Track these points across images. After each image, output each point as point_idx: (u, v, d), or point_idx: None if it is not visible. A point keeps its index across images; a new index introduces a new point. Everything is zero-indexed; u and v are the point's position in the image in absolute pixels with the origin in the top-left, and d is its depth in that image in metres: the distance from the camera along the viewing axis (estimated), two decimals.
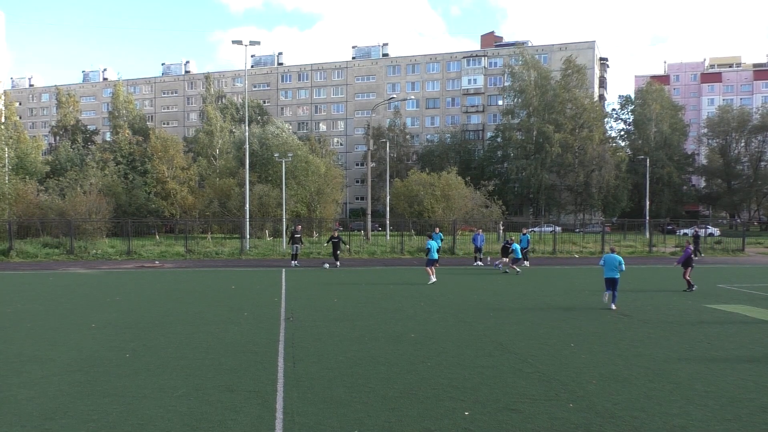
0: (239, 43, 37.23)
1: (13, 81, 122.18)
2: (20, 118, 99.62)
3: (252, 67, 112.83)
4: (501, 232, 26.14)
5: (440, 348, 11.24)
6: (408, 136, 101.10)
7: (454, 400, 8.09)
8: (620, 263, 16.34)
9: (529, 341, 11.89)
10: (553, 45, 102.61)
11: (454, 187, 58.15)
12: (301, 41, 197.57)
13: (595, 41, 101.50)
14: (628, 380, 9.08)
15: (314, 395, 8.29)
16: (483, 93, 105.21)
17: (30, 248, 34.68)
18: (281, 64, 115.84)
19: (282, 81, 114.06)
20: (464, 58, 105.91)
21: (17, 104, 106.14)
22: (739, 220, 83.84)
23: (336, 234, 29.95)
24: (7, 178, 49.00)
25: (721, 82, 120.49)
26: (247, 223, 38.64)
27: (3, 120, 65.53)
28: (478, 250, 31.14)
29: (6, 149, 51.45)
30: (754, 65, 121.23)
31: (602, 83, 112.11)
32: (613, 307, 16.08)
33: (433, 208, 56.26)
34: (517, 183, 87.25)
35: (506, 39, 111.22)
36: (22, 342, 11.85)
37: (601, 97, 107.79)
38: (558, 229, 55.59)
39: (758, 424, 7.25)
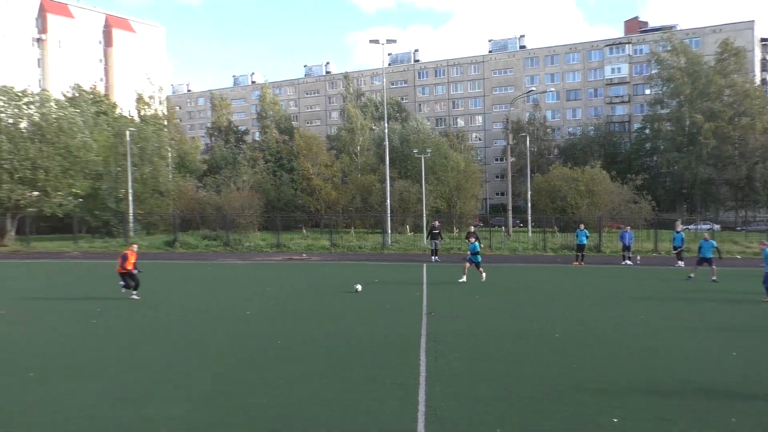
0: (376, 42, 37.96)
1: (173, 87, 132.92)
2: (180, 121, 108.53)
3: (389, 65, 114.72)
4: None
5: (589, 349, 10.81)
6: (548, 130, 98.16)
7: (601, 405, 7.75)
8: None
9: (685, 347, 11.10)
10: (705, 27, 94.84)
11: (598, 182, 55.71)
12: (436, 38, 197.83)
13: (753, 21, 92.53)
14: None
15: (456, 391, 8.28)
16: (628, 82, 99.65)
17: (191, 240, 37.82)
18: (417, 61, 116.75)
19: (419, 78, 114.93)
20: (606, 46, 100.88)
21: (177, 108, 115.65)
22: None
23: (473, 229, 29.68)
24: (170, 176, 53.59)
25: None
26: (389, 218, 39.37)
27: (166, 123, 71.70)
28: (626, 248, 29.55)
29: (169, 150, 56.15)
30: None
31: (765, 66, 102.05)
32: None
33: (577, 204, 54.25)
34: (669, 177, 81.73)
35: (652, 24, 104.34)
36: (183, 327, 12.91)
37: (764, 82, 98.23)
38: (716, 227, 51.51)
39: None
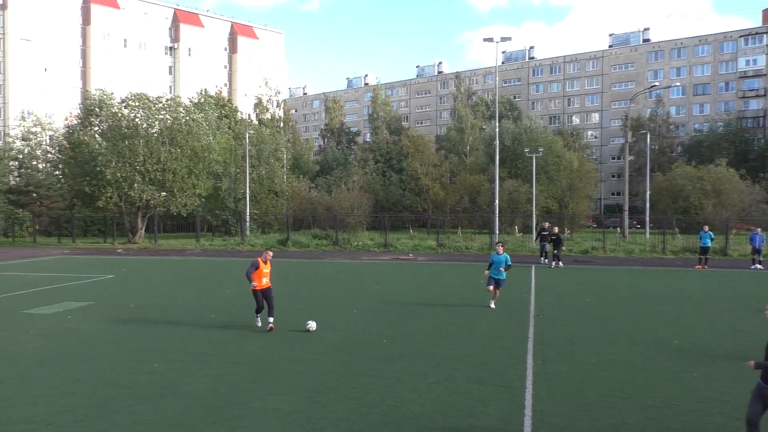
0: (490, 40, 37.44)
1: (290, 91, 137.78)
2: (296, 123, 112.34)
3: (502, 63, 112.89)
4: None
5: (709, 358, 10.12)
6: (671, 127, 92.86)
7: (725, 416, 7.23)
8: None
9: None
10: None
11: (726, 181, 52.05)
12: (551, 35, 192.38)
13: None
14: None
15: (565, 396, 8.01)
16: (765, 75, 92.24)
17: (303, 239, 38.96)
18: (532, 58, 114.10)
19: (533, 75, 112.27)
20: (741, 37, 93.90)
21: (293, 111, 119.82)
22: None
23: (556, 230, 28.50)
24: (285, 177, 55.58)
25: None
26: (497, 218, 38.78)
27: (282, 125, 74.50)
28: (756, 251, 27.39)
29: (285, 151, 58.25)
30: None
31: None
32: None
33: (702, 205, 50.98)
34: None
35: None
36: (294, 321, 13.30)
37: None
38: None
39: None
